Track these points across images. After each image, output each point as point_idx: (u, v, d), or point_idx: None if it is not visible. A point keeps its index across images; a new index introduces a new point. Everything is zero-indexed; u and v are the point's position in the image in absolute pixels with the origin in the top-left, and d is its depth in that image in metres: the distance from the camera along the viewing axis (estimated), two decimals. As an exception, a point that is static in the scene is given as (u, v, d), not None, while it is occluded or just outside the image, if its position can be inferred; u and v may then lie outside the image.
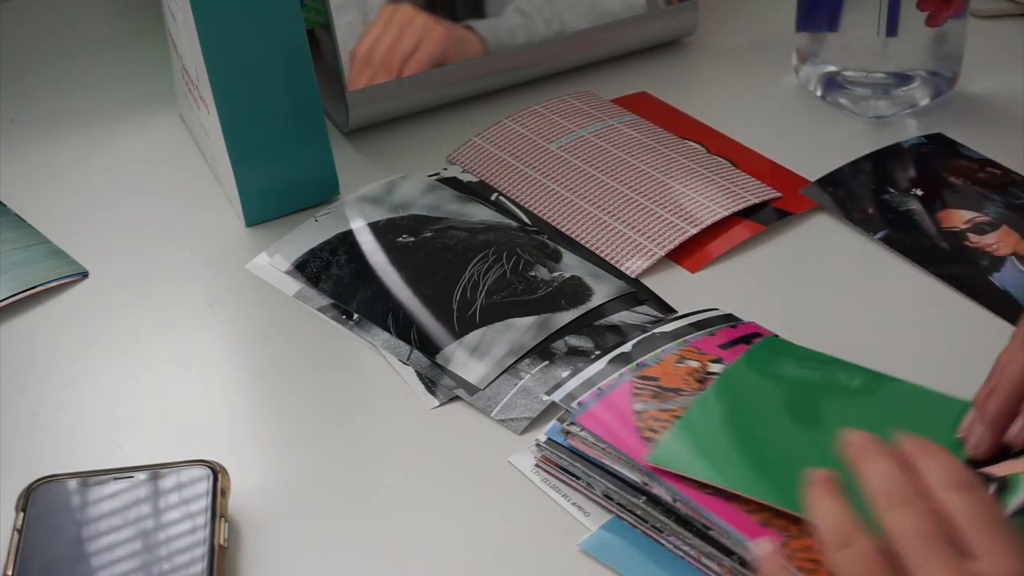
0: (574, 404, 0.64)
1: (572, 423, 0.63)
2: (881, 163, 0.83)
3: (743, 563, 0.56)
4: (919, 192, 0.80)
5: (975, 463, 0.57)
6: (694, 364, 0.65)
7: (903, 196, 0.79)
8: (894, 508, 0.47)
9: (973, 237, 0.76)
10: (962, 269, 0.74)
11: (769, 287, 0.75)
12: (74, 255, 0.80)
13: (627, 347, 0.68)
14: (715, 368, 0.65)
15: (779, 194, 0.81)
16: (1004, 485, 0.55)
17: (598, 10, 0.92)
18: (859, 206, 0.79)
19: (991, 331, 0.71)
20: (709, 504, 0.58)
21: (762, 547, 0.52)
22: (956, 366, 0.69)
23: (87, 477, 0.62)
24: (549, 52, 0.93)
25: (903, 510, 0.47)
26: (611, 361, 0.67)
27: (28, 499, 0.60)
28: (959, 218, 0.78)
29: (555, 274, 0.75)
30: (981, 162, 0.82)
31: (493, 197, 0.83)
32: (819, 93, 0.90)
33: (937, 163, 0.82)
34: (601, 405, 0.63)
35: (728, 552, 0.57)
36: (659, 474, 0.59)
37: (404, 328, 0.73)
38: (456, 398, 0.69)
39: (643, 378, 0.65)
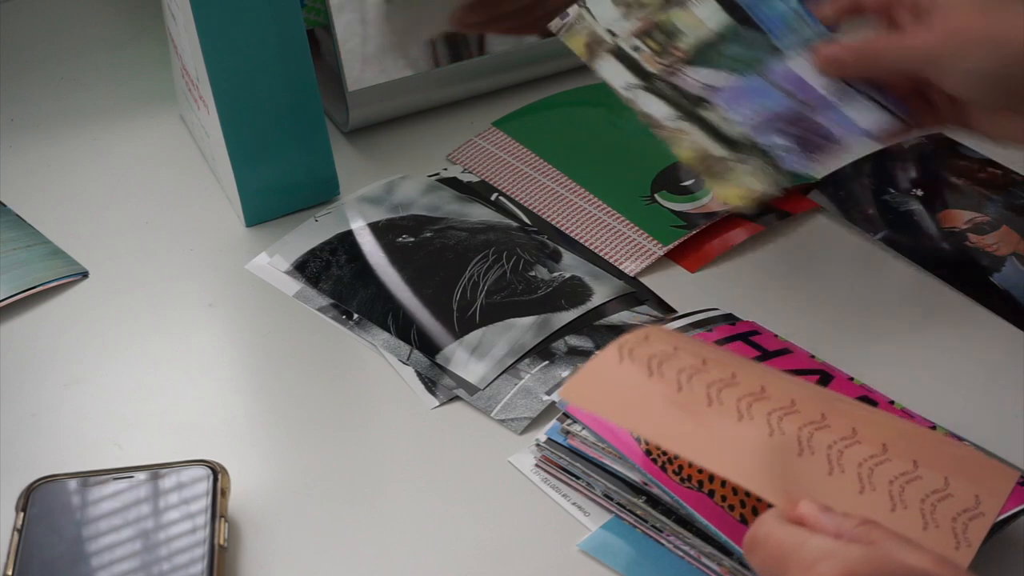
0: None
1: (564, 414, 0.63)
2: (882, 163, 0.83)
3: (743, 563, 0.56)
4: (919, 192, 0.80)
5: None
6: None
7: (903, 196, 0.79)
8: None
9: (973, 237, 0.76)
10: (963, 269, 0.74)
11: (768, 287, 0.75)
12: (74, 255, 0.80)
13: (627, 347, 0.68)
14: None
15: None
16: None
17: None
18: (859, 206, 0.79)
19: (992, 330, 0.71)
20: (685, 496, 0.58)
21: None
22: (957, 366, 0.69)
23: (87, 477, 0.62)
24: (548, 52, 0.93)
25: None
26: (611, 361, 0.67)
27: (28, 499, 0.60)
28: (959, 218, 0.78)
29: (555, 274, 0.75)
30: (982, 162, 0.82)
31: (493, 197, 0.83)
32: (819, 93, 0.90)
33: (938, 163, 0.82)
34: None
35: (728, 552, 0.57)
36: (634, 457, 0.60)
37: (404, 328, 0.73)
38: (456, 398, 0.69)
39: None
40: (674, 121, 0.67)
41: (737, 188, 0.67)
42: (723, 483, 0.58)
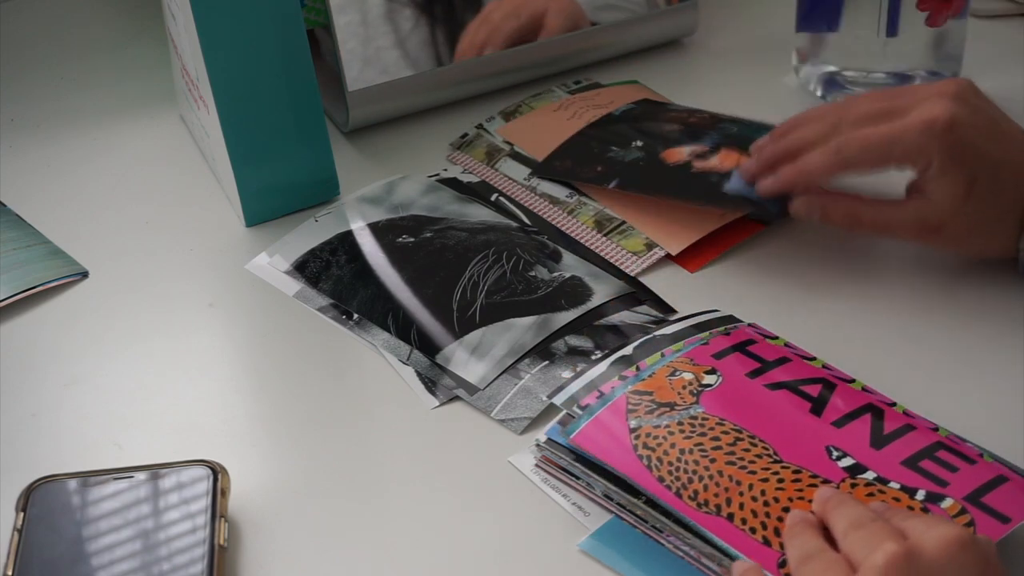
0: (573, 408, 0.64)
1: (562, 420, 0.63)
2: (600, 128, 0.86)
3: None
4: (639, 143, 0.83)
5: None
6: (688, 376, 0.65)
7: (625, 150, 0.83)
8: (803, 563, 0.54)
9: (698, 163, 0.80)
10: (696, 187, 0.78)
11: (768, 287, 0.75)
12: (74, 255, 0.80)
13: (628, 349, 0.68)
14: (709, 379, 0.65)
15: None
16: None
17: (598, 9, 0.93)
18: (590, 165, 0.83)
19: (994, 331, 0.71)
20: (704, 522, 0.58)
21: (739, 567, 0.56)
22: (959, 366, 0.69)
23: (87, 477, 0.62)
24: (549, 52, 0.93)
25: (810, 563, 0.54)
26: (613, 363, 0.66)
27: (28, 499, 0.60)
28: (681, 153, 0.81)
29: (555, 274, 0.75)
30: (689, 111, 0.86)
31: (493, 197, 0.83)
32: (819, 93, 0.90)
33: (649, 119, 0.86)
34: (594, 424, 0.63)
35: (727, 552, 0.57)
36: (647, 485, 0.59)
37: (404, 328, 0.73)
38: (456, 398, 0.69)
39: (637, 393, 0.64)
40: (572, 198, 0.82)
41: (636, 240, 0.78)
42: (741, 505, 0.58)
